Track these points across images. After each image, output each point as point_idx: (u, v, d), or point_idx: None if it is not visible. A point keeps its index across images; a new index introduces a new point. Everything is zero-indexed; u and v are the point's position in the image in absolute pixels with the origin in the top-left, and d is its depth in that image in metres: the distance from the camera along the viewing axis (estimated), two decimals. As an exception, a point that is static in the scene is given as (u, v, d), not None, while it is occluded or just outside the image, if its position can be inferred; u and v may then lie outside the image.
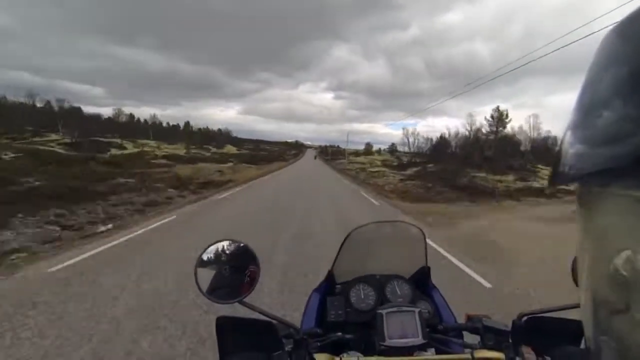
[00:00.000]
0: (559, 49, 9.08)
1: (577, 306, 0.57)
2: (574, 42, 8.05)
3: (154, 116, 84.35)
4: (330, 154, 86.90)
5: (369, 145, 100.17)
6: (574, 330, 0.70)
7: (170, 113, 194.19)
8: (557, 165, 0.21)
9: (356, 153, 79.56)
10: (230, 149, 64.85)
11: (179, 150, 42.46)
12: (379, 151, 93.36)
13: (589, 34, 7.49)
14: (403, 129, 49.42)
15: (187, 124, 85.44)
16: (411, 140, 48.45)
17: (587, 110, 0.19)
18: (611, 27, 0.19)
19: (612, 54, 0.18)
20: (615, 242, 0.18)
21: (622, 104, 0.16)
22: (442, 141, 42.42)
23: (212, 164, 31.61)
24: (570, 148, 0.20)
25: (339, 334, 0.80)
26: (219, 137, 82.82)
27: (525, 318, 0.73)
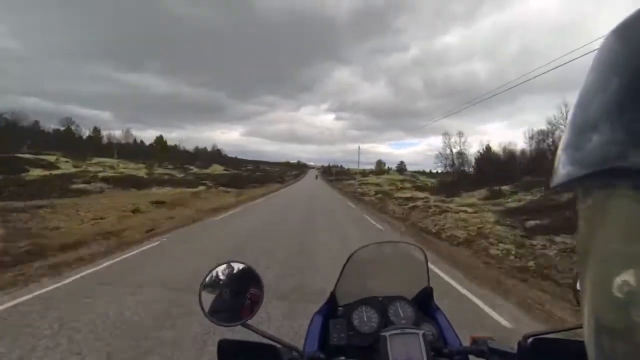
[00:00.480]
0: (552, 69, 9.90)
1: (581, 327, 0.66)
2: (569, 62, 8.82)
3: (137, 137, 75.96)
4: (335, 174, 76.34)
5: (380, 164, 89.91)
6: (578, 351, 0.68)
7: (175, 136, 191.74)
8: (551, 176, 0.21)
9: (363, 173, 69.53)
10: (216, 168, 55.06)
11: (140, 170, 32.65)
12: (387, 170, 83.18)
13: (583, 54, 7.90)
14: (445, 134, 35.81)
15: (159, 138, 73.11)
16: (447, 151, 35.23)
17: (578, 130, 0.19)
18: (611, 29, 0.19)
19: (612, 56, 0.18)
20: (618, 258, 0.17)
21: (610, 127, 0.16)
22: (492, 155, 31.47)
23: (174, 189, 22.30)
24: (562, 168, 0.20)
25: (342, 358, 0.76)
26: (204, 156, 72.98)
27: (530, 339, 0.73)
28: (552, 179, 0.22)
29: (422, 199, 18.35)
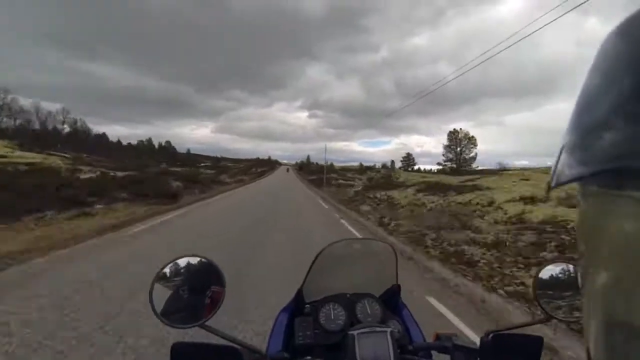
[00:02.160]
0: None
1: (540, 322, 0.74)
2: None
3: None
4: (315, 172, 53.52)
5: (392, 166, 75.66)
6: (533, 346, 0.73)
7: (141, 132, 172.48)
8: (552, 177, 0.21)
9: (343, 170, 58.35)
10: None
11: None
12: (371, 168, 72.11)
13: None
14: (453, 131, 26.30)
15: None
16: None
17: (586, 130, 0.18)
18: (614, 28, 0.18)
19: (617, 56, 0.17)
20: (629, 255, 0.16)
21: (624, 123, 0.15)
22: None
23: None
24: (566, 169, 0.19)
25: (308, 357, 0.76)
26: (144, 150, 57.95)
27: (491, 335, 0.74)
28: (552, 179, 0.21)
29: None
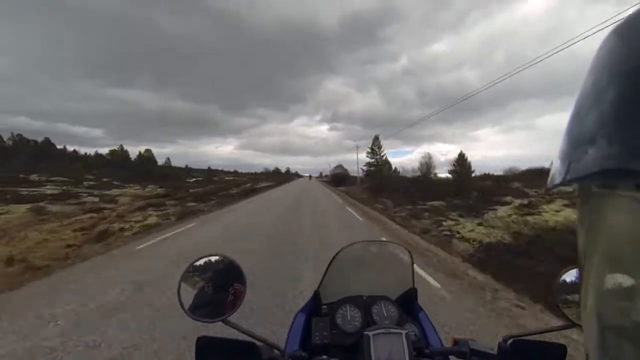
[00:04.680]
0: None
1: (561, 328, 0.69)
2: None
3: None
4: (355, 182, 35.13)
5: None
6: (556, 353, 0.71)
7: (168, 151, 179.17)
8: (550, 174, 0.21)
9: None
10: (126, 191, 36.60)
11: None
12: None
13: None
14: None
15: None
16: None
17: (574, 142, 0.19)
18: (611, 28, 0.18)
19: (611, 58, 0.17)
20: (621, 257, 0.16)
21: (607, 143, 0.15)
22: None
23: None
24: (558, 177, 0.20)
25: (324, 357, 0.77)
26: (147, 167, 53.08)
27: (510, 341, 0.73)
28: (549, 181, 0.21)
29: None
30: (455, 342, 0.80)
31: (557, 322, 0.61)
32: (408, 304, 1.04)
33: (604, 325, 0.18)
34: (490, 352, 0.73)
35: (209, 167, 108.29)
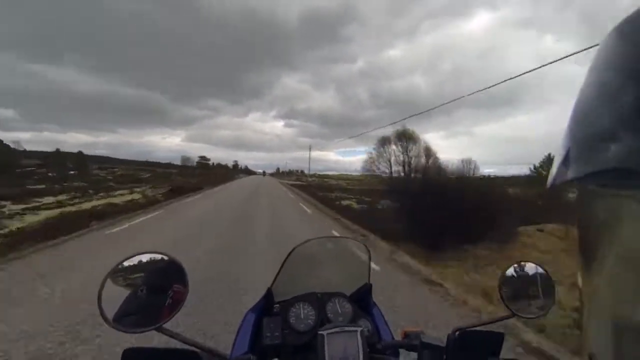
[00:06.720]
0: (481, 90, 10.40)
1: (503, 318, 0.75)
2: (495, 84, 9.70)
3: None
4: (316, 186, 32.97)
5: None
6: (495, 341, 0.76)
7: (105, 140, 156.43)
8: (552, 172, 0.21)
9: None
10: None
11: None
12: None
13: (507, 79, 8.86)
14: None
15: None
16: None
17: (587, 139, 0.18)
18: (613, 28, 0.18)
19: (618, 57, 0.17)
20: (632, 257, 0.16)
21: (632, 136, 0.15)
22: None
23: None
24: (560, 175, 0.19)
25: (275, 359, 0.76)
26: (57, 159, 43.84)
27: (457, 332, 0.75)
28: (549, 179, 0.21)
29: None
30: (406, 334, 0.82)
31: (501, 313, 0.75)
32: (362, 300, 1.04)
33: (621, 327, 0.17)
34: (439, 343, 0.75)
35: (146, 160, 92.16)
